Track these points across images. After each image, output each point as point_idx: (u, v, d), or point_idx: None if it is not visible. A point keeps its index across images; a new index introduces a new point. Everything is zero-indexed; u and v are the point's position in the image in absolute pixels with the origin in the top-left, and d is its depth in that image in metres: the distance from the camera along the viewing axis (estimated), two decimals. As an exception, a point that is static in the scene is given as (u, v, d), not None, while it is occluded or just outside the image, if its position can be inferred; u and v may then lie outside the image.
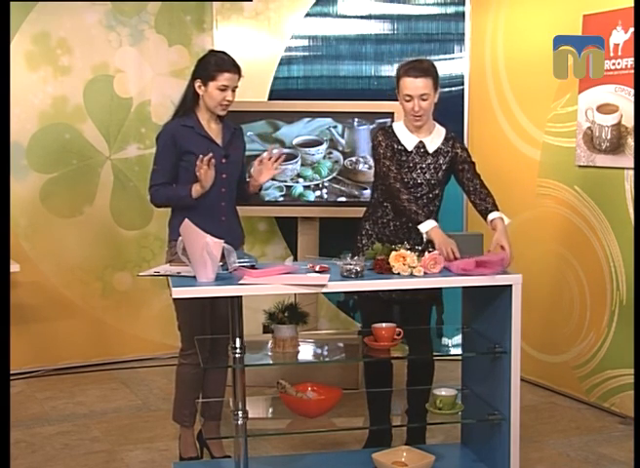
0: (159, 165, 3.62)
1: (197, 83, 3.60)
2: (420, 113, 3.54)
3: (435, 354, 4.51)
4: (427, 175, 3.61)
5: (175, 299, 3.58)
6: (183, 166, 3.60)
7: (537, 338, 4.75)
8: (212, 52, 3.79)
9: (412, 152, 3.62)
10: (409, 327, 3.44)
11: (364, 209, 3.83)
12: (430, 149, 3.63)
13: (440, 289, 3.67)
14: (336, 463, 3.55)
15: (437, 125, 3.68)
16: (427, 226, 3.41)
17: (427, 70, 3.55)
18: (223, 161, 3.63)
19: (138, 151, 5.29)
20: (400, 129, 3.66)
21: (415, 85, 3.51)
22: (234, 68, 3.59)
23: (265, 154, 3.70)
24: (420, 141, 3.63)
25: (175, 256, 3.54)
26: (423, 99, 3.52)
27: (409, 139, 3.63)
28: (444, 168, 3.63)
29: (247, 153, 3.83)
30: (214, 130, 3.67)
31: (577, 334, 4.59)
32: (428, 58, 5.18)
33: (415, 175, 3.61)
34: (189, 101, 3.65)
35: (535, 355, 4.82)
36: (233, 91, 3.61)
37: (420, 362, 3.72)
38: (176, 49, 5.34)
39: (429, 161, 3.62)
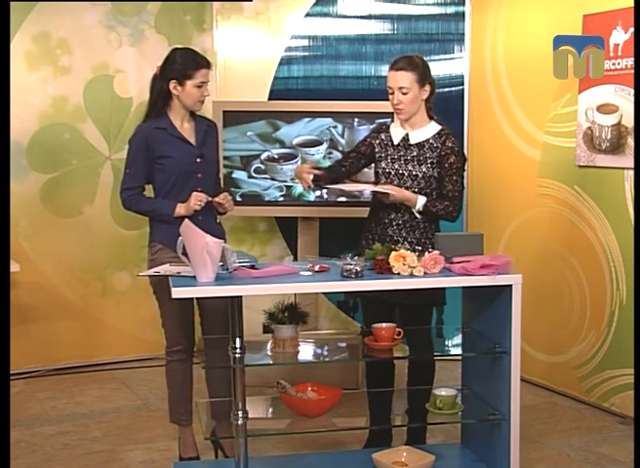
0: (132, 168, 3.64)
1: (172, 84, 3.58)
2: (399, 106, 3.56)
3: (435, 354, 4.52)
4: (409, 167, 3.60)
5: (157, 298, 3.65)
6: (159, 168, 3.62)
7: (537, 338, 4.75)
8: (176, 49, 3.72)
9: (398, 145, 3.65)
10: (410, 328, 3.44)
11: (364, 209, 3.83)
12: (413, 141, 3.62)
13: (444, 291, 3.65)
14: (336, 463, 3.55)
15: (433, 122, 3.65)
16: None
17: (411, 64, 3.54)
18: (198, 160, 3.65)
19: (138, 151, 5.29)
20: (393, 124, 3.74)
21: (394, 78, 3.54)
22: (207, 64, 3.62)
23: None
24: (406, 134, 3.65)
25: (155, 256, 3.57)
26: (403, 93, 3.52)
27: (397, 133, 3.68)
28: (429, 161, 3.59)
29: (247, 153, 3.82)
30: (187, 129, 3.67)
31: (577, 334, 4.59)
32: (428, 58, 5.22)
33: (397, 166, 3.62)
34: (160, 102, 3.64)
35: (535, 355, 4.82)
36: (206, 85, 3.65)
37: (422, 363, 3.71)
38: (176, 49, 5.34)
39: (414, 153, 3.61)
